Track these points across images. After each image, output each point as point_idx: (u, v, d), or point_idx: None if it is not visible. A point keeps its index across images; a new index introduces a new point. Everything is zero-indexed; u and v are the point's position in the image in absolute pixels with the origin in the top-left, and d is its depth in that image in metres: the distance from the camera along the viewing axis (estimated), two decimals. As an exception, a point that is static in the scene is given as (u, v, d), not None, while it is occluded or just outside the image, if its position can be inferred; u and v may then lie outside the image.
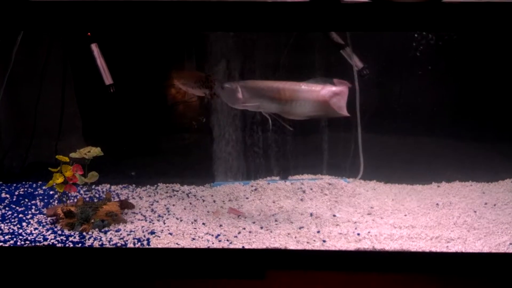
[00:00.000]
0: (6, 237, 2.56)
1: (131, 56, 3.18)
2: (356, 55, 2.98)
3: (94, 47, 2.91)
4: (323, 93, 2.67)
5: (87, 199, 2.98)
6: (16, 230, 2.65)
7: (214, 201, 3.04)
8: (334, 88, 2.68)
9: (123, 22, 2.41)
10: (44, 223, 2.73)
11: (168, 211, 2.89)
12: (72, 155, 2.75)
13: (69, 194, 2.89)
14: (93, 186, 3.16)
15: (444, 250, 2.42)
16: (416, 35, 3.17)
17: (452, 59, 3.20)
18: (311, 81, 2.73)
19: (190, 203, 3.01)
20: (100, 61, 2.92)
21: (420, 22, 2.38)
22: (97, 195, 3.10)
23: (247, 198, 3.08)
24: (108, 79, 2.93)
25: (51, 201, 3.03)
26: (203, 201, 3.05)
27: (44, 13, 2.35)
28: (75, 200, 2.85)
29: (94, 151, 2.76)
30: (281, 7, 2.30)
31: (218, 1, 2.29)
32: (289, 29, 2.95)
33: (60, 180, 2.68)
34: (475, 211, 2.85)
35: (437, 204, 2.97)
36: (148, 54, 3.20)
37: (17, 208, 2.95)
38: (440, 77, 3.23)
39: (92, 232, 2.60)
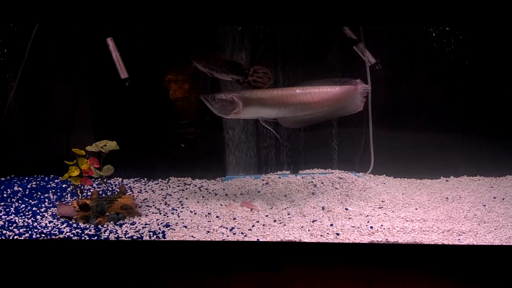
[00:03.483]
0: (21, 230, 2.56)
1: (142, 51, 3.19)
2: (368, 51, 3.01)
3: (110, 41, 2.92)
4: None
5: (101, 192, 3.00)
6: (31, 223, 2.65)
7: (226, 195, 3.06)
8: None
9: (135, 16, 2.42)
10: (59, 216, 2.74)
11: (182, 204, 2.91)
12: (89, 148, 2.74)
13: (83, 187, 2.89)
14: (105, 180, 3.17)
15: (457, 243, 2.45)
16: (425, 31, 3.20)
17: (462, 55, 3.23)
18: (314, 83, 2.75)
19: (203, 197, 3.03)
20: (116, 55, 2.93)
21: (431, 17, 2.41)
22: (110, 189, 3.12)
23: (258, 191, 3.11)
24: (123, 73, 2.94)
25: (64, 194, 3.04)
26: (216, 194, 3.07)
27: (58, 7, 2.36)
28: (89, 193, 2.85)
29: (111, 144, 2.76)
30: (294, 2, 2.32)
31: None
32: (302, 24, 2.97)
33: (76, 173, 2.69)
34: (484, 205, 2.88)
35: (447, 198, 3.01)
36: (160, 50, 3.21)
37: (30, 201, 2.96)
38: (450, 73, 3.26)
39: (108, 225, 2.62)
